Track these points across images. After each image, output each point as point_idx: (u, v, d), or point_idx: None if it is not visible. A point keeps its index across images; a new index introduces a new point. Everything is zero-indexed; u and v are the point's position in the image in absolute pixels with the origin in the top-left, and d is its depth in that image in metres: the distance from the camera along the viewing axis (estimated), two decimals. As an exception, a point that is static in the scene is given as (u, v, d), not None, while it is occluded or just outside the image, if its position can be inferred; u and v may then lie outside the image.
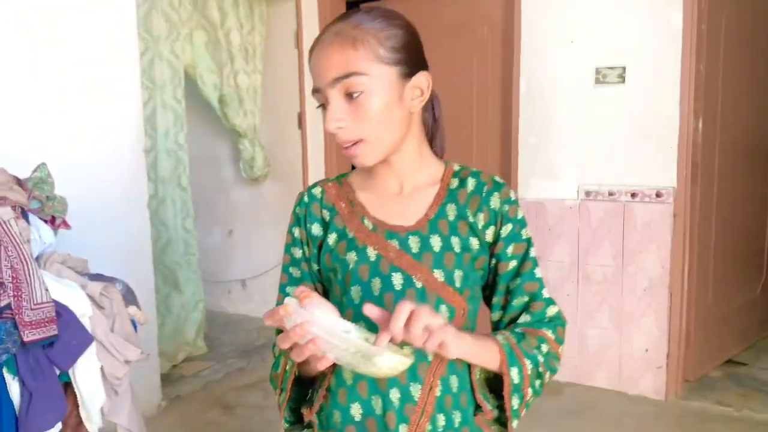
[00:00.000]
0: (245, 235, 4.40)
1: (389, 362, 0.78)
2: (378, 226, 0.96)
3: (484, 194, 0.97)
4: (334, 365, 0.93)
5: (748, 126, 3.42)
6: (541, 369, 0.93)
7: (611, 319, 3.12)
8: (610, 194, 3.09)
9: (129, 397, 1.74)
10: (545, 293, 0.98)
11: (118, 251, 2.67)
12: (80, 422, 1.64)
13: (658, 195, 2.98)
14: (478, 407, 0.95)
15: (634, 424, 2.79)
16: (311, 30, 3.88)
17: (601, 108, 3.09)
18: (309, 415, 0.98)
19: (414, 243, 0.94)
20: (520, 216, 0.98)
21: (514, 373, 0.89)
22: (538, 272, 0.98)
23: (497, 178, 1.00)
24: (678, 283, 2.97)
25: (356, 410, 0.94)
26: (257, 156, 3.99)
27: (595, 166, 3.13)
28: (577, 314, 3.22)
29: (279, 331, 0.87)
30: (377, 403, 0.92)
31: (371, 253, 0.94)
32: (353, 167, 1.02)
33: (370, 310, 0.80)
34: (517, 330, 0.95)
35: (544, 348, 0.94)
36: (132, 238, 2.82)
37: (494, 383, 0.96)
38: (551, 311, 0.98)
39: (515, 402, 0.90)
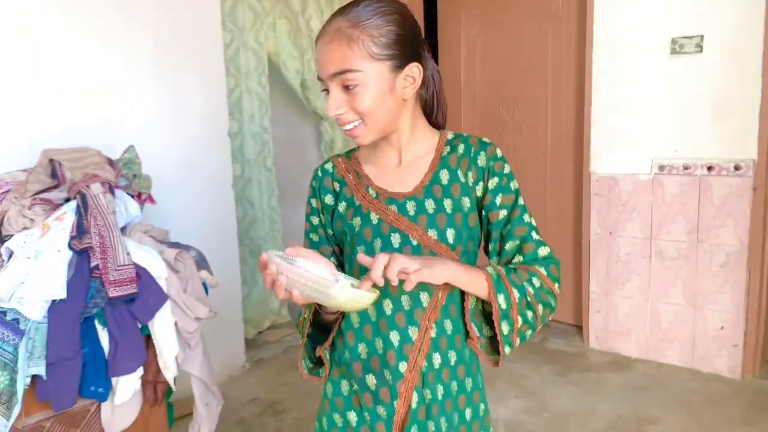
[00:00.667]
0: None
1: (344, 295, 0.90)
2: (380, 194, 1.09)
3: (472, 154, 1.09)
4: (344, 314, 1.10)
5: None
6: (530, 299, 1.02)
7: (685, 295, 3.05)
8: (685, 168, 3.00)
9: (200, 350, 1.98)
10: (535, 235, 1.07)
11: (206, 228, 2.96)
12: (159, 369, 1.90)
13: (736, 168, 2.86)
14: (468, 333, 1.07)
15: (703, 402, 2.73)
16: (387, 13, 4.00)
17: (677, 79, 3.00)
18: (319, 350, 1.13)
19: (411, 207, 1.07)
20: (507, 170, 1.08)
21: (501, 299, 0.99)
22: (527, 218, 1.08)
23: (484, 139, 1.11)
24: (757, 259, 2.85)
25: (362, 349, 1.09)
26: (337, 137, 4.19)
27: (669, 139, 3.05)
28: (649, 290, 3.16)
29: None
30: (379, 344, 1.07)
31: (373, 217, 1.08)
32: (353, 149, 1.18)
33: (362, 259, 0.93)
34: (510, 266, 1.05)
35: (536, 282, 1.03)
36: (218, 215, 3.10)
37: (489, 315, 1.05)
38: (543, 251, 1.07)
39: (505, 328, 1.01)
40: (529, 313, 1.02)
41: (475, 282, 1.00)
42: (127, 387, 1.79)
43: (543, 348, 3.42)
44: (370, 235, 1.08)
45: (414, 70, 1.04)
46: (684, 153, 3.01)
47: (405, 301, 1.05)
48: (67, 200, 1.87)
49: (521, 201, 1.09)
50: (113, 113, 2.60)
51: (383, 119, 1.04)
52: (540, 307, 1.03)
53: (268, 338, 3.68)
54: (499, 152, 1.09)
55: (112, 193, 1.88)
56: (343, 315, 1.11)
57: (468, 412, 1.11)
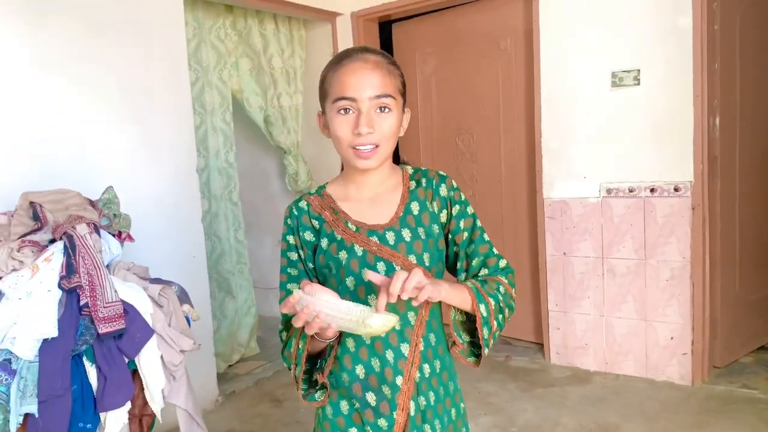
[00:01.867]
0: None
1: (379, 322, 1.03)
2: (360, 228, 1.22)
3: (434, 186, 1.25)
4: (339, 339, 1.21)
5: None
6: (501, 305, 1.19)
7: (636, 309, 3.26)
8: (630, 191, 3.23)
9: (185, 382, 2.05)
10: (495, 251, 1.26)
11: (176, 262, 3.01)
12: (146, 403, 1.95)
13: (676, 189, 3.10)
14: (453, 343, 1.22)
15: (659, 408, 2.92)
16: (345, 51, 4.17)
17: (619, 110, 3.24)
18: (322, 378, 1.22)
19: (390, 237, 1.20)
20: (463, 198, 1.26)
21: (482, 309, 1.16)
22: (486, 237, 1.27)
23: (441, 173, 1.28)
24: (699, 272, 3.09)
25: (360, 370, 1.20)
26: (300, 170, 4.30)
27: (614, 165, 3.28)
28: (603, 306, 3.36)
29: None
30: (376, 363, 1.19)
31: (358, 249, 1.20)
32: (320, 187, 1.30)
33: (372, 276, 1.05)
34: (479, 278, 1.22)
35: (502, 289, 1.21)
36: (188, 250, 3.16)
37: (467, 325, 1.23)
38: (502, 263, 1.26)
39: (485, 332, 1.17)
40: (500, 317, 1.19)
41: (461, 297, 1.15)
42: (116, 421, 1.84)
43: (508, 366, 3.57)
44: (357, 266, 1.19)
45: (408, 115, 1.23)
46: (629, 177, 3.24)
47: (397, 323, 1.17)
48: (52, 241, 1.93)
49: (479, 223, 1.27)
50: (85, 153, 2.66)
51: (391, 148, 1.20)
52: (506, 311, 1.21)
53: (239, 371, 3.72)
54: (454, 183, 1.27)
55: (98, 233, 1.95)
56: (338, 342, 1.22)
57: (453, 413, 1.26)
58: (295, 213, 1.27)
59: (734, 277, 3.30)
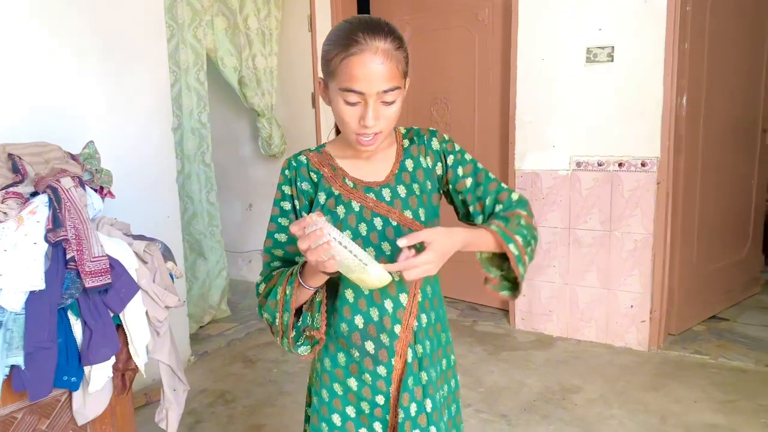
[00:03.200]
0: (264, 209, 4.71)
1: (377, 272, 1.05)
2: (357, 184, 1.25)
3: (426, 142, 1.30)
4: (334, 292, 1.24)
5: (735, 100, 3.62)
6: (528, 238, 1.23)
7: (599, 279, 3.40)
8: (599, 164, 3.34)
9: (168, 338, 2.06)
10: (504, 186, 1.29)
11: (151, 221, 2.97)
12: (130, 357, 1.96)
13: (643, 164, 3.22)
14: (486, 279, 1.26)
15: (618, 371, 3.08)
16: (324, 14, 4.14)
17: (592, 85, 3.33)
18: (319, 334, 1.23)
19: (386, 193, 1.24)
20: (458, 148, 1.30)
21: (512, 248, 1.19)
22: (492, 175, 1.30)
23: (431, 128, 1.32)
24: (660, 245, 3.23)
25: (359, 320, 1.24)
26: (274, 134, 4.28)
27: (585, 139, 3.38)
28: (568, 275, 3.49)
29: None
30: (375, 313, 1.23)
31: (355, 205, 1.24)
32: (320, 145, 1.33)
33: (401, 241, 1.07)
34: (500, 216, 1.25)
35: (523, 222, 1.24)
36: (162, 210, 3.13)
37: (495, 261, 1.26)
38: (515, 197, 1.28)
39: (521, 269, 1.21)
40: (529, 249, 1.23)
41: (482, 240, 1.18)
42: (101, 375, 1.85)
43: (474, 330, 3.69)
44: (355, 221, 1.23)
45: (408, 81, 1.22)
46: (598, 151, 3.34)
47: (395, 273, 1.22)
48: (33, 194, 1.90)
49: (480, 165, 1.30)
50: (62, 108, 2.60)
51: (392, 127, 1.22)
52: (533, 242, 1.25)
53: (210, 332, 3.75)
54: (446, 136, 1.31)
55: (83, 187, 1.93)
56: (329, 296, 1.24)
57: (444, 363, 1.32)
58: (294, 164, 1.29)
59: (692, 250, 3.47)
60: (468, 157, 1.30)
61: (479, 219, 1.29)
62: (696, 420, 2.59)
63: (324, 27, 4.13)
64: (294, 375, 3.18)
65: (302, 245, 1.03)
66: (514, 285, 1.26)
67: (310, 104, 4.32)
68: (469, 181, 1.28)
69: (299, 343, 1.25)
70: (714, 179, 3.53)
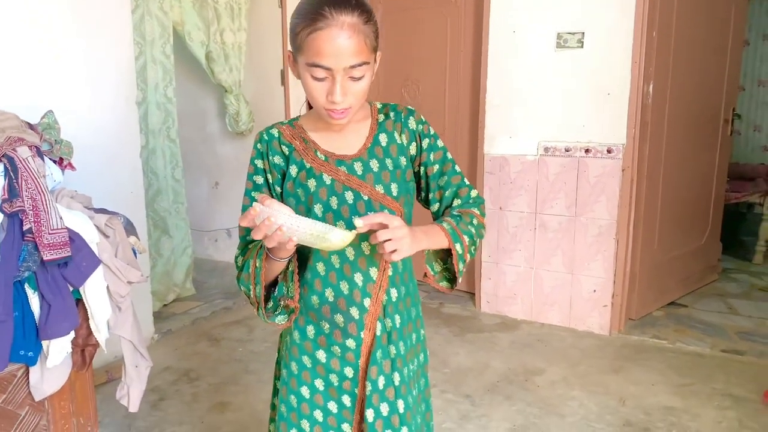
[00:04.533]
0: (230, 187, 4.65)
1: (339, 237, 1.06)
2: (329, 157, 1.24)
3: (402, 119, 1.28)
4: (304, 264, 1.24)
5: (699, 89, 3.68)
6: (474, 238, 1.25)
7: (564, 263, 3.45)
8: (566, 150, 3.37)
9: (131, 314, 2.02)
10: (466, 181, 1.31)
11: (114, 196, 2.90)
12: (90, 333, 1.92)
13: (609, 151, 3.26)
14: (425, 274, 1.29)
15: (579, 354, 3.14)
16: (294, -10, 4.07)
17: (561, 71, 3.34)
18: (293, 302, 1.23)
19: (358, 167, 1.23)
20: (432, 132, 1.30)
21: (458, 247, 1.21)
22: (458, 168, 1.31)
23: (409, 107, 1.31)
24: (624, 231, 3.29)
25: (329, 293, 1.24)
26: (242, 111, 4.21)
27: (553, 124, 3.40)
28: (534, 259, 3.53)
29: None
30: (345, 286, 1.23)
31: (326, 178, 1.22)
32: (293, 118, 1.32)
33: (358, 222, 1.07)
34: (454, 213, 1.27)
35: (475, 221, 1.26)
36: (125, 185, 3.05)
37: (440, 254, 1.28)
38: (473, 193, 1.30)
39: (461, 266, 1.23)
40: (473, 248, 1.25)
41: (436, 238, 1.20)
42: (59, 350, 1.80)
43: (440, 312, 3.71)
44: (326, 194, 1.22)
45: (379, 57, 1.21)
46: (565, 137, 3.38)
47: (365, 246, 1.22)
48: (-11, 164, 1.83)
49: (449, 155, 1.31)
50: (18, 77, 2.50)
51: (362, 102, 1.20)
52: (478, 240, 1.27)
53: (174, 310, 3.69)
54: (423, 117, 1.31)
55: (41, 157, 1.87)
56: (302, 266, 1.25)
57: (414, 337, 1.32)
58: (266, 138, 1.28)
59: (654, 236, 3.54)
60: (440, 143, 1.30)
61: (435, 206, 1.31)
62: (653, 402, 2.66)
63: (295, 3, 4.06)
64: (259, 354, 3.16)
65: (257, 236, 1.04)
66: (453, 278, 1.28)
67: (279, 81, 4.25)
68: (436, 168, 1.29)
69: (277, 312, 1.25)
70: (677, 167, 3.60)
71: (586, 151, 3.32)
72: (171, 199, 3.82)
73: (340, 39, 1.10)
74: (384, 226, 1.08)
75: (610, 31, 3.20)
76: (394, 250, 1.08)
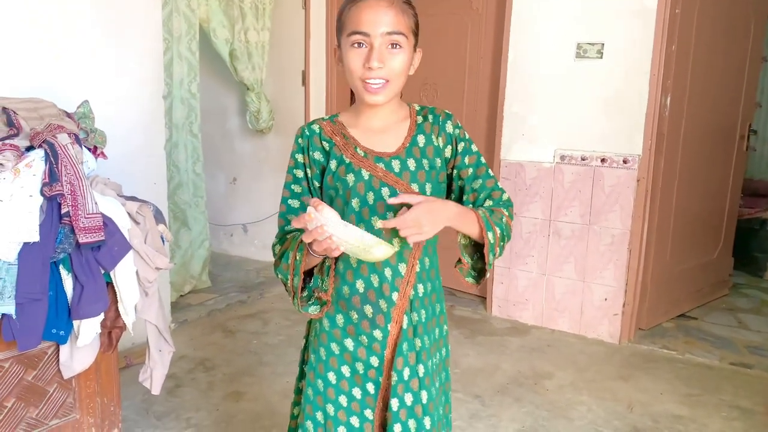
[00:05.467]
0: (248, 183, 4.72)
1: (381, 251, 1.13)
2: (368, 154, 1.29)
3: (440, 123, 1.33)
4: (340, 256, 1.29)
5: (716, 104, 3.71)
6: (504, 233, 1.29)
7: (576, 270, 3.49)
8: (583, 159, 3.42)
9: (157, 299, 2.08)
10: (499, 185, 1.35)
11: (138, 186, 2.97)
12: (118, 316, 1.98)
13: (624, 161, 3.31)
14: (458, 261, 1.33)
15: (588, 361, 3.17)
16: (318, -8, 4.14)
17: (580, 80, 3.39)
18: (326, 296, 1.30)
19: (396, 165, 1.28)
20: (467, 136, 1.35)
21: (490, 236, 1.24)
22: (491, 172, 1.35)
23: (447, 111, 1.36)
24: (637, 241, 3.33)
25: (360, 285, 1.30)
26: (263, 109, 4.28)
27: (570, 133, 3.45)
28: (546, 265, 3.57)
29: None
30: (375, 279, 1.28)
31: (365, 174, 1.28)
32: (333, 115, 1.38)
33: (386, 224, 1.14)
34: (486, 208, 1.31)
35: (504, 220, 1.30)
36: (149, 177, 3.12)
37: (469, 249, 1.32)
38: (505, 197, 1.35)
39: (491, 257, 1.26)
40: (502, 244, 1.29)
41: (467, 224, 1.24)
42: (89, 330, 1.87)
43: (452, 314, 3.76)
44: (363, 189, 1.27)
45: (419, 55, 1.30)
46: (582, 146, 3.42)
47: (396, 243, 1.26)
48: (29, 149, 1.90)
49: (483, 159, 1.36)
50: (53, 69, 2.58)
51: (399, 85, 1.27)
52: (506, 240, 1.31)
53: (191, 301, 3.76)
54: (458, 122, 1.36)
55: (79, 144, 1.94)
56: (337, 259, 1.30)
57: (437, 332, 1.37)
58: (307, 133, 1.34)
59: (666, 248, 3.57)
60: (474, 148, 1.35)
61: (469, 207, 1.34)
62: (661, 410, 2.69)
63: (318, 4, 4.14)
64: (274, 347, 3.21)
65: (307, 238, 1.12)
66: (479, 275, 1.33)
67: (300, 81, 4.32)
68: (470, 171, 1.33)
69: (310, 302, 1.31)
70: (691, 180, 3.64)
71: (602, 160, 3.36)
72: (191, 192, 3.89)
73: (379, 7, 1.20)
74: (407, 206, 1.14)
75: (629, 43, 3.24)
76: (417, 234, 1.13)
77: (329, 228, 1.09)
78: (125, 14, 2.88)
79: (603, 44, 3.32)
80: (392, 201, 1.16)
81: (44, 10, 2.53)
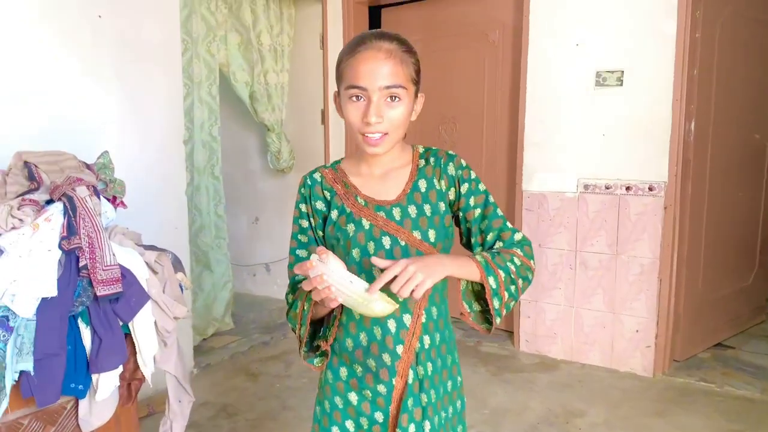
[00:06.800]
0: (270, 223, 4.73)
1: (381, 307, 1.10)
2: (368, 202, 1.27)
3: (442, 165, 1.29)
4: (343, 307, 1.26)
5: (742, 126, 3.63)
6: (513, 276, 1.20)
7: (605, 302, 3.39)
8: (607, 187, 3.35)
9: (176, 349, 2.07)
10: (509, 225, 1.28)
11: (159, 232, 2.99)
12: (137, 367, 1.97)
13: (650, 189, 3.23)
14: (461, 312, 1.25)
15: (621, 396, 3.06)
16: (336, 32, 4.19)
17: (601, 108, 3.35)
18: (325, 345, 1.28)
19: (396, 213, 1.25)
20: (473, 176, 1.29)
21: (491, 281, 1.17)
22: (500, 212, 1.29)
23: (450, 152, 1.31)
24: (667, 270, 3.23)
25: (363, 337, 1.26)
26: (283, 149, 4.31)
27: (593, 162, 3.39)
28: (574, 297, 3.49)
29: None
30: (378, 331, 1.24)
31: (365, 223, 1.25)
32: (335, 161, 1.37)
33: (378, 261, 1.10)
34: (493, 251, 1.24)
35: (516, 261, 1.22)
36: (171, 221, 3.15)
37: (480, 293, 1.24)
38: (518, 236, 1.27)
39: (496, 303, 1.19)
40: (512, 288, 1.21)
41: (467, 271, 1.18)
42: (108, 383, 1.85)
43: (478, 351, 3.68)
44: (364, 239, 1.25)
45: (421, 101, 1.27)
46: (606, 174, 3.36)
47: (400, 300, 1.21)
48: (48, 202, 1.92)
49: (491, 199, 1.30)
50: (76, 119, 2.63)
51: (400, 135, 1.24)
52: (520, 281, 1.22)
53: (213, 345, 3.74)
54: (464, 162, 1.30)
55: (98, 196, 1.95)
56: (342, 308, 1.27)
57: (449, 384, 1.32)
58: (309, 183, 1.33)
59: (698, 276, 3.46)
60: (482, 187, 1.29)
61: (478, 250, 1.29)
62: (701, 447, 2.58)
63: (336, 45, 4.18)
64: (297, 390, 3.17)
65: (306, 287, 1.10)
66: (491, 320, 1.24)
67: (319, 120, 4.35)
68: (477, 212, 1.28)
69: (316, 354, 1.30)
70: (721, 205, 3.54)
71: (627, 188, 3.29)
72: (213, 234, 3.91)
73: (377, 60, 1.17)
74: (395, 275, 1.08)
75: (650, 69, 3.20)
76: (415, 288, 1.07)
77: (329, 278, 1.08)
78: (146, 61, 2.93)
79: (623, 71, 3.28)
80: (375, 261, 1.11)
81: (67, 64, 2.58)
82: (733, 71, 3.48)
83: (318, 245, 1.32)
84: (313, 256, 1.09)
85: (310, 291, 1.17)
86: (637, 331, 3.31)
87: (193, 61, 3.65)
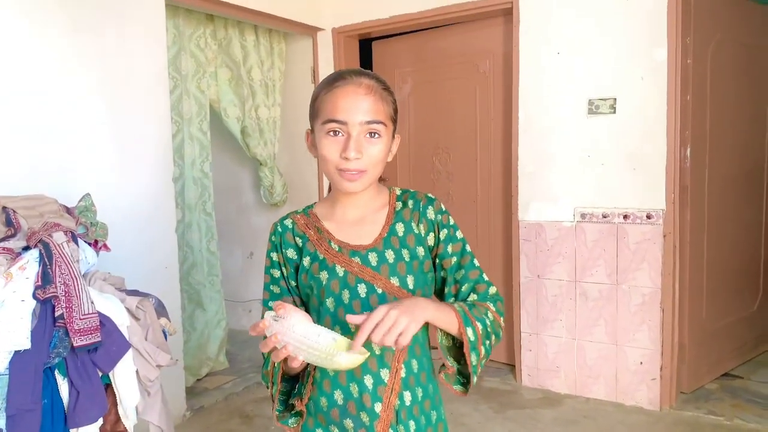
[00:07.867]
0: (265, 258, 4.65)
1: (346, 360, 1.01)
2: (343, 248, 1.20)
3: (420, 209, 1.23)
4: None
5: (739, 150, 3.59)
6: (489, 330, 1.14)
7: (607, 333, 3.30)
8: (604, 216, 3.29)
9: (159, 398, 1.99)
10: (485, 277, 1.23)
11: (149, 272, 2.94)
12: (118, 419, 1.89)
13: (648, 216, 3.17)
14: (442, 366, 1.17)
15: (628, 433, 2.96)
16: (326, 66, 4.17)
17: (594, 136, 3.31)
18: (300, 405, 1.20)
19: (372, 258, 1.18)
20: (452, 222, 1.23)
21: (470, 332, 1.11)
22: (476, 262, 1.23)
23: (429, 195, 1.26)
24: (669, 299, 3.15)
25: (338, 395, 1.17)
26: (276, 183, 4.26)
27: (589, 190, 3.34)
28: (575, 329, 3.40)
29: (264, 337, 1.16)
30: (354, 389, 1.16)
31: (339, 270, 1.18)
32: (308, 206, 1.30)
33: (352, 319, 1.03)
34: (468, 302, 1.18)
35: (490, 315, 1.17)
36: (161, 261, 3.08)
37: (452, 351, 1.17)
38: (492, 290, 1.22)
39: (473, 358, 1.11)
40: (487, 343, 1.14)
41: (448, 319, 1.11)
42: (87, 438, 1.77)
43: (480, 387, 3.57)
44: (338, 287, 1.17)
45: (398, 140, 1.22)
46: (603, 203, 3.30)
47: (375, 346, 1.14)
48: (25, 248, 1.86)
49: (468, 248, 1.24)
50: (63, 160, 2.59)
51: (377, 173, 1.18)
52: (493, 337, 1.16)
53: (207, 386, 3.64)
54: (443, 206, 1.25)
55: (75, 241, 1.89)
56: (314, 366, 1.19)
57: None
58: (279, 230, 1.26)
59: (701, 304, 3.38)
60: (459, 235, 1.23)
61: (450, 301, 1.22)
62: (712, 486, 2.47)
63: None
64: (292, 433, 3.06)
65: (263, 348, 1.02)
66: (468, 381, 1.16)
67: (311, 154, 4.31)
68: (454, 260, 1.22)
69: (287, 416, 1.21)
70: (721, 231, 3.48)
71: (625, 217, 3.23)
72: (206, 271, 3.84)
73: (357, 95, 1.13)
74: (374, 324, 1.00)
75: (642, 96, 3.16)
76: (399, 335, 0.99)
77: (286, 336, 0.99)
78: (133, 101, 2.90)
79: (615, 99, 3.25)
80: (350, 320, 1.03)
81: (52, 103, 2.55)
82: (726, 95, 3.44)
83: (292, 296, 1.25)
84: (267, 314, 1.01)
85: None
86: (641, 363, 3.22)
87: (182, 97, 3.63)
